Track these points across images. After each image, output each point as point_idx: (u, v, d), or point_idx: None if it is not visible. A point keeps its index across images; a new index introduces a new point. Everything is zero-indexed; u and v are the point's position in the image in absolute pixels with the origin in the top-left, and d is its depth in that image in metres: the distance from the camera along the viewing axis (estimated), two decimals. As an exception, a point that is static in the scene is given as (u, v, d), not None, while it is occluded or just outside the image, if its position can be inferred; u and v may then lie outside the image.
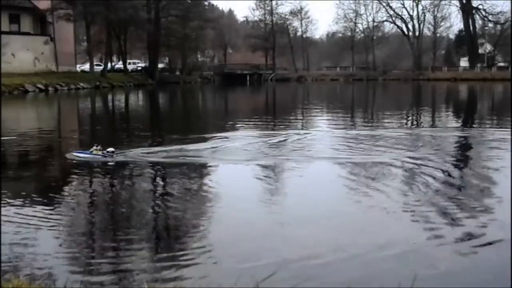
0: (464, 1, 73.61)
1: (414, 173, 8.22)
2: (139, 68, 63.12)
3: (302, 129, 15.31)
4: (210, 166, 9.03)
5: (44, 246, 4.90)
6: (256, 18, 78.82)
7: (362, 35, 79.45)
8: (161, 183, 7.82)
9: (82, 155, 9.56)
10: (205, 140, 12.25)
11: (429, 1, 76.92)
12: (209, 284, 4.00)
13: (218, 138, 12.58)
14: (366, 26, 79.37)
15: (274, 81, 69.32)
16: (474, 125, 17.21)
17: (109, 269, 4.42)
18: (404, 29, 78.45)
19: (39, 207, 6.34)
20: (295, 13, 78.59)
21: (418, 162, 9.26)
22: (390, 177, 7.79)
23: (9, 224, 5.51)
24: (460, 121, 19.31)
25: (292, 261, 4.54)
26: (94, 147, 9.65)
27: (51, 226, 5.59)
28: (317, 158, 9.73)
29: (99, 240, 5.30)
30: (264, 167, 8.79)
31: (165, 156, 9.65)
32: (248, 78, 69.72)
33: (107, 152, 9.60)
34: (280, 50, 76.24)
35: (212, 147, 11.14)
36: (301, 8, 78.72)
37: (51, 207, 6.38)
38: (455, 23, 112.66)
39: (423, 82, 63.91)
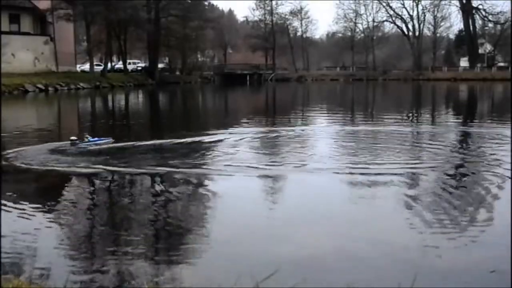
0: (464, 1, 73.61)
1: (414, 172, 8.22)
2: (139, 68, 63.13)
3: (302, 128, 15.29)
4: (209, 165, 9.03)
5: (44, 246, 4.90)
6: (256, 18, 78.97)
7: (362, 35, 79.48)
8: (160, 182, 7.79)
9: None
10: (207, 136, 12.48)
11: (429, 1, 77.00)
12: (209, 284, 4.00)
13: (221, 134, 12.93)
14: (366, 26, 79.51)
15: (274, 81, 69.35)
16: (475, 122, 17.26)
17: (109, 269, 4.42)
18: (404, 29, 78.53)
19: (39, 207, 6.34)
20: (295, 13, 78.70)
21: (419, 160, 9.30)
22: (390, 176, 7.79)
23: (9, 224, 5.51)
24: (463, 119, 19.32)
25: (292, 261, 4.54)
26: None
27: (51, 226, 5.59)
28: (318, 157, 9.73)
29: (99, 240, 5.29)
30: (263, 166, 8.78)
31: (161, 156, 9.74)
32: (248, 78, 69.74)
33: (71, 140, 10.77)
34: (280, 50, 76.28)
35: (213, 144, 11.20)
36: (301, 8, 78.87)
37: (51, 207, 6.38)
38: (455, 23, 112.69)
39: (423, 82, 63.94)
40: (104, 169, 8.48)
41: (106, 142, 11.38)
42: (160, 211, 6.30)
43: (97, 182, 7.88)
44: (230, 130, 14.35)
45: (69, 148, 10.51)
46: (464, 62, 77.65)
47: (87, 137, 11.15)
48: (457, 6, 75.67)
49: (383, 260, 4.61)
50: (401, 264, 4.52)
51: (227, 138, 12.40)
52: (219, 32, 72.68)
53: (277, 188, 7.49)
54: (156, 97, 38.96)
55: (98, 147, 10.84)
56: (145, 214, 6.12)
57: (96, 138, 11.40)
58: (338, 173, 8.21)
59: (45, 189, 7.55)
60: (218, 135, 12.94)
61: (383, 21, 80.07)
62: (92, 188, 7.48)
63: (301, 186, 7.45)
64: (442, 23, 78.72)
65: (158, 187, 7.44)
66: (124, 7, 47.03)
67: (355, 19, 79.03)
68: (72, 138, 10.93)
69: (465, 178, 7.96)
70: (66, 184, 7.65)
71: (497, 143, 11.51)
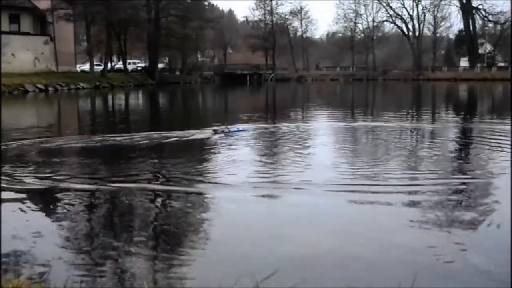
0: (464, 1, 73.61)
1: (414, 170, 8.21)
2: (139, 68, 63.14)
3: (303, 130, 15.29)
4: (209, 163, 9.04)
5: (45, 246, 4.90)
6: (256, 18, 79.05)
7: (362, 35, 79.49)
8: (160, 180, 7.78)
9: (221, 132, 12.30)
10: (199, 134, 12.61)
11: (429, 1, 77.02)
12: (209, 284, 4.00)
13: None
14: (366, 26, 79.56)
15: (274, 81, 69.39)
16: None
17: (109, 269, 4.42)
18: (404, 29, 78.55)
19: (39, 207, 6.34)
20: (295, 13, 78.76)
21: (418, 157, 9.30)
22: (389, 174, 7.78)
23: (9, 223, 5.50)
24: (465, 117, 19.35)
25: (292, 261, 4.54)
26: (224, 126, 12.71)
27: (51, 226, 5.58)
28: (318, 156, 9.74)
29: (99, 240, 5.29)
30: (263, 166, 8.78)
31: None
32: (248, 78, 69.78)
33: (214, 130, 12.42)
34: (280, 50, 76.30)
35: (210, 143, 11.22)
36: (301, 8, 78.93)
37: (52, 206, 6.37)
38: (455, 23, 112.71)
39: (423, 82, 63.97)
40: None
41: (242, 131, 12.88)
42: (159, 211, 6.29)
43: (99, 176, 7.87)
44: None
45: (211, 136, 12.00)
46: (464, 62, 77.66)
47: (227, 127, 12.52)
48: (457, 6, 75.77)
49: (383, 260, 4.61)
50: (401, 264, 4.52)
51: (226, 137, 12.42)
52: (219, 32, 72.69)
53: (277, 186, 7.46)
54: (156, 97, 38.96)
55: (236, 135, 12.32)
56: (144, 214, 6.12)
57: (235, 128, 12.86)
58: (338, 172, 8.20)
59: (45, 186, 7.52)
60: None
61: (383, 21, 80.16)
62: (93, 184, 7.45)
63: (301, 185, 7.42)
64: (442, 23, 78.84)
65: (156, 187, 7.42)
66: (124, 7, 47.05)
67: (355, 19, 79.14)
68: (215, 128, 12.53)
69: (466, 178, 7.94)
70: (68, 182, 7.62)
71: (497, 140, 11.58)
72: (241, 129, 13.09)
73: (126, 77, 51.93)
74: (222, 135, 12.07)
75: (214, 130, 12.35)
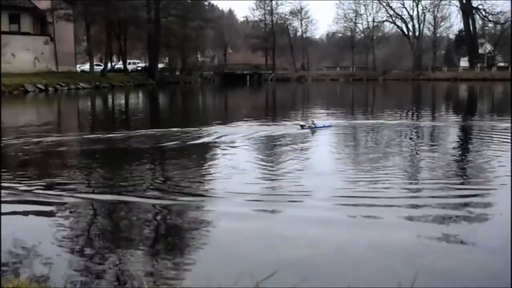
0: (464, 1, 73.62)
1: (416, 168, 8.21)
2: (139, 68, 63.16)
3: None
4: (211, 160, 9.04)
5: (45, 246, 4.90)
6: (256, 18, 79.11)
7: (362, 35, 79.50)
8: (161, 180, 7.79)
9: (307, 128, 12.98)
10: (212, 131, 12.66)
11: (429, 1, 77.00)
12: (209, 284, 4.00)
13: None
14: (366, 26, 79.57)
15: (274, 81, 69.42)
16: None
17: (109, 269, 4.42)
18: (404, 29, 78.58)
19: (39, 206, 6.34)
20: (295, 13, 78.80)
21: (419, 155, 9.30)
22: (389, 172, 7.78)
23: (9, 223, 5.50)
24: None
25: (292, 261, 4.54)
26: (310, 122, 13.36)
27: (51, 226, 5.58)
28: (317, 154, 9.73)
29: (99, 240, 5.29)
30: (263, 165, 8.78)
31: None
32: (248, 78, 69.82)
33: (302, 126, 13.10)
34: (280, 50, 76.32)
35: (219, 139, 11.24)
36: (301, 8, 78.95)
37: (51, 206, 6.37)
38: (455, 23, 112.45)
39: (423, 82, 63.98)
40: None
41: (328, 127, 13.53)
42: (160, 211, 6.29)
43: (99, 176, 7.87)
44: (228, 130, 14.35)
45: (299, 131, 12.64)
46: (464, 62, 77.66)
47: (314, 123, 13.12)
48: (457, 6, 75.78)
49: (383, 260, 4.61)
50: (401, 264, 4.52)
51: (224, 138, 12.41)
52: (219, 32, 72.77)
53: (277, 185, 7.47)
54: (156, 98, 38.96)
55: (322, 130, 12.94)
56: (145, 214, 6.11)
57: (321, 124, 13.42)
58: (337, 171, 8.20)
59: (45, 186, 7.52)
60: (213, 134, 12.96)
61: (383, 21, 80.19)
62: (93, 183, 7.45)
63: (301, 184, 7.42)
64: (442, 23, 78.82)
65: (157, 187, 7.42)
66: (124, 7, 47.10)
67: (355, 19, 79.18)
68: (301, 123, 13.31)
69: (465, 176, 7.94)
70: (67, 180, 7.63)
71: (497, 138, 11.62)
72: (327, 125, 13.80)
73: (126, 77, 51.96)
74: (309, 130, 12.74)
75: (301, 125, 13.07)
